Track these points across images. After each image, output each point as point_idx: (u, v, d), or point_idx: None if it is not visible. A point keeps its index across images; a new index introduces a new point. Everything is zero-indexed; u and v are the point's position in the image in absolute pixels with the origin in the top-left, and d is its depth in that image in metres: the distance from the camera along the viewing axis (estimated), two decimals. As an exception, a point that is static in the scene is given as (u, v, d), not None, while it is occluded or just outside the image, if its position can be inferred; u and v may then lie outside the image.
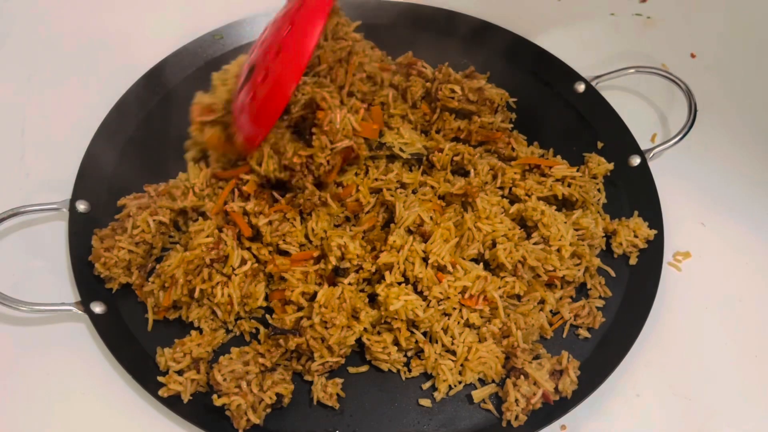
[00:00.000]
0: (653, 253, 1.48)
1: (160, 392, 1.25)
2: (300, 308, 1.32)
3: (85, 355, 1.36)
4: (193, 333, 1.32)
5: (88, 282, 1.39)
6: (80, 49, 1.91)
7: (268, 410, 1.24)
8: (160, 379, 1.27)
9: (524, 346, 1.30)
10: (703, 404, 1.37)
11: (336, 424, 1.27)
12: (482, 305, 1.33)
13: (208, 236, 1.33)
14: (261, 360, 1.26)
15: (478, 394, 1.30)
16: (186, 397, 1.25)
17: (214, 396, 1.24)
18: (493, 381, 1.32)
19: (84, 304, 1.35)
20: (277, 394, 1.23)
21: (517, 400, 1.26)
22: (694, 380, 1.40)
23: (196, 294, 1.30)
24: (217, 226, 1.37)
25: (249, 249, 1.37)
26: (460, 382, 1.30)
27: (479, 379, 1.33)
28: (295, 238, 1.37)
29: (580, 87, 1.77)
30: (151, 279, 1.36)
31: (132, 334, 1.35)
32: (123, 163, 1.57)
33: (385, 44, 1.70)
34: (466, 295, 1.33)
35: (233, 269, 1.32)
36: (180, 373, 1.28)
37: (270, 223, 1.36)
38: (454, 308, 1.33)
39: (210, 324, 1.34)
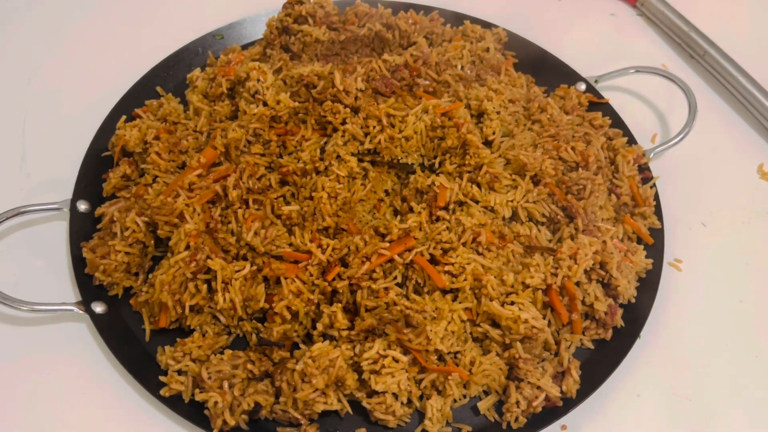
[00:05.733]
0: (654, 253, 1.48)
1: (161, 392, 1.26)
2: (285, 321, 1.31)
3: (86, 355, 1.36)
4: (196, 334, 1.32)
5: (89, 282, 1.39)
6: (81, 50, 1.91)
7: (245, 417, 1.24)
8: (161, 378, 1.27)
9: (526, 356, 1.30)
10: (703, 404, 1.37)
11: (336, 424, 1.28)
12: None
13: (180, 252, 1.32)
14: (250, 366, 1.26)
15: (483, 405, 1.30)
16: (187, 397, 1.26)
17: (196, 390, 1.25)
18: (497, 391, 1.32)
19: (85, 304, 1.35)
20: (256, 403, 1.23)
21: (518, 402, 1.26)
22: (694, 380, 1.40)
23: (187, 310, 1.30)
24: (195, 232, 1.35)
25: (245, 257, 1.37)
26: (465, 396, 1.30)
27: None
28: (284, 240, 1.37)
29: (581, 87, 1.77)
30: (144, 288, 1.36)
31: (133, 334, 1.35)
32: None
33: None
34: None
35: (235, 272, 1.32)
36: (180, 372, 1.28)
37: (256, 233, 1.35)
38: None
39: (213, 328, 1.34)
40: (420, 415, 1.28)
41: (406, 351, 1.26)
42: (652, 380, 1.39)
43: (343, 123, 1.48)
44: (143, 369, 1.29)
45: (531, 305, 1.31)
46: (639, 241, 1.50)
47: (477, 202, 1.43)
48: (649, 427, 1.34)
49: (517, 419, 1.26)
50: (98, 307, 1.35)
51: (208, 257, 1.31)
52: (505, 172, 1.46)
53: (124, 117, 1.60)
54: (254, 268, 1.34)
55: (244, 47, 1.81)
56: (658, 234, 1.51)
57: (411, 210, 1.44)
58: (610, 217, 1.50)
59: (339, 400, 1.24)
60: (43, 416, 1.29)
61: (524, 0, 2.14)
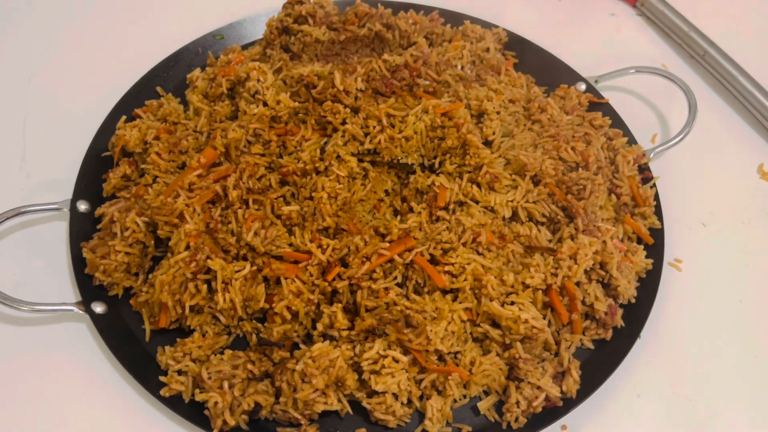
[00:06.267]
0: (654, 253, 1.48)
1: (161, 392, 1.26)
2: (285, 321, 1.31)
3: (86, 355, 1.36)
4: (196, 334, 1.32)
5: (89, 282, 1.39)
6: (81, 50, 1.91)
7: (245, 417, 1.24)
8: (161, 378, 1.27)
9: (526, 356, 1.30)
10: (703, 404, 1.37)
11: (336, 424, 1.28)
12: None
13: (180, 252, 1.32)
14: (250, 366, 1.26)
15: (483, 405, 1.30)
16: (187, 397, 1.26)
17: (196, 390, 1.25)
18: (497, 391, 1.32)
19: (85, 304, 1.35)
20: (256, 403, 1.23)
21: (518, 402, 1.26)
22: (694, 380, 1.40)
23: (187, 310, 1.30)
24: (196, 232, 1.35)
25: (245, 257, 1.37)
26: (465, 396, 1.30)
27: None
28: (284, 240, 1.37)
29: (581, 87, 1.77)
30: (144, 288, 1.36)
31: (133, 334, 1.35)
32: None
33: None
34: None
35: (235, 272, 1.32)
36: (180, 372, 1.28)
37: (256, 233, 1.35)
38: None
39: (213, 328, 1.34)
40: (420, 415, 1.28)
41: (406, 351, 1.26)
42: (652, 380, 1.39)
43: (343, 123, 1.48)
44: (143, 369, 1.29)
45: (531, 305, 1.31)
46: (639, 241, 1.50)
47: (477, 202, 1.43)
48: (649, 427, 1.34)
49: (517, 419, 1.26)
50: (98, 307, 1.35)
51: (208, 257, 1.31)
52: (505, 172, 1.46)
53: (124, 117, 1.60)
54: (254, 268, 1.34)
55: (244, 47, 1.81)
56: (658, 234, 1.51)
57: (411, 210, 1.44)
58: (610, 217, 1.50)
59: (339, 401, 1.24)
60: (43, 416, 1.29)
61: (524, 0, 2.14)
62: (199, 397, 1.24)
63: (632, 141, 1.67)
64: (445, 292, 1.33)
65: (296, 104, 1.51)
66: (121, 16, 2.01)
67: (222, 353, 1.30)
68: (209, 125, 1.55)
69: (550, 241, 1.43)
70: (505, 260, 1.37)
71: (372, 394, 1.24)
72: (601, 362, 1.35)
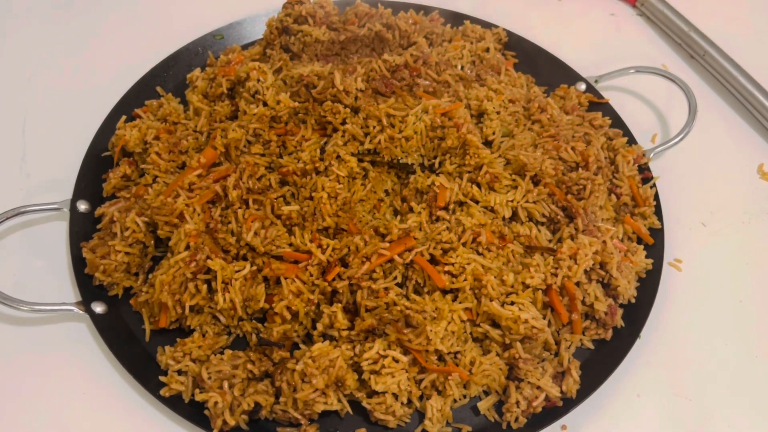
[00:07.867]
0: (654, 253, 1.48)
1: (161, 392, 1.26)
2: (285, 321, 1.31)
3: (86, 355, 1.36)
4: (196, 334, 1.32)
5: (89, 282, 1.39)
6: (80, 50, 1.91)
7: (245, 417, 1.24)
8: (161, 378, 1.27)
9: (526, 356, 1.30)
10: (703, 404, 1.37)
11: (336, 424, 1.28)
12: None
13: (180, 252, 1.32)
14: (250, 366, 1.26)
15: (483, 405, 1.30)
16: (187, 397, 1.26)
17: (197, 390, 1.25)
18: (497, 391, 1.32)
19: (85, 304, 1.35)
20: (256, 403, 1.23)
21: (518, 402, 1.26)
22: (694, 380, 1.40)
23: (187, 310, 1.30)
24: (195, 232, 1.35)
25: (245, 257, 1.37)
26: (465, 396, 1.30)
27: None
28: (284, 240, 1.37)
29: (581, 87, 1.78)
30: (144, 288, 1.36)
31: (133, 334, 1.35)
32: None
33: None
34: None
35: (235, 272, 1.32)
36: (180, 372, 1.28)
37: (256, 233, 1.35)
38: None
39: (213, 328, 1.34)
40: (420, 415, 1.28)
41: (406, 351, 1.26)
42: (652, 380, 1.39)
43: (343, 123, 1.48)
44: (143, 369, 1.29)
45: (531, 305, 1.31)
46: (639, 241, 1.50)
47: (477, 202, 1.43)
48: (649, 427, 1.34)
49: (517, 419, 1.26)
50: (98, 307, 1.35)
51: (208, 257, 1.31)
52: (505, 172, 1.46)
53: (124, 117, 1.60)
54: (254, 268, 1.34)
55: (244, 47, 1.81)
56: (658, 234, 1.51)
57: (411, 210, 1.44)
58: (610, 217, 1.50)
59: (339, 400, 1.24)
60: (43, 416, 1.29)
61: (524, 0, 2.14)
62: (199, 397, 1.24)
63: (632, 141, 1.67)
64: (445, 292, 1.33)
65: (296, 104, 1.52)
66: (120, 16, 2.01)
67: (222, 353, 1.30)
68: (209, 125, 1.55)
69: (550, 241, 1.43)
70: (505, 260, 1.37)
71: (372, 394, 1.24)
72: (601, 362, 1.35)
